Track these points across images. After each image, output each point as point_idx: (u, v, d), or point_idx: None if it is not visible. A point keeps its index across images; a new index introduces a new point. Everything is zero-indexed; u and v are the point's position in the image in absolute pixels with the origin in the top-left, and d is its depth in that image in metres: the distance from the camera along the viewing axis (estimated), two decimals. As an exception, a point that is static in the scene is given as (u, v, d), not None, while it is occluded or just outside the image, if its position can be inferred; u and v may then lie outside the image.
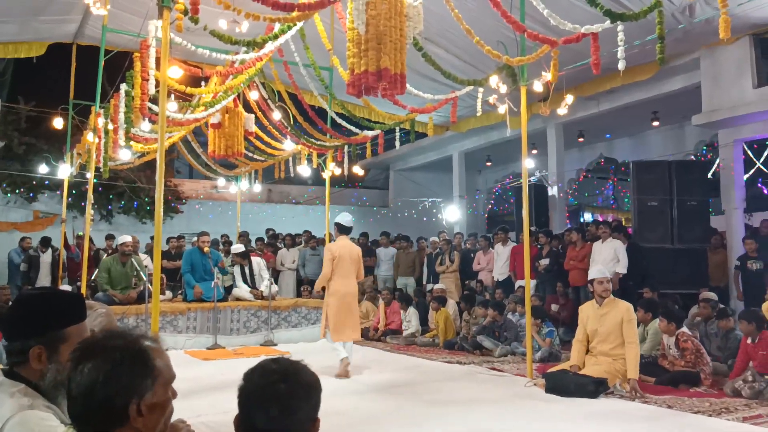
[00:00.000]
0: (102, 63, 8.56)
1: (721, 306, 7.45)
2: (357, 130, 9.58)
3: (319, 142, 9.80)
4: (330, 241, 8.91)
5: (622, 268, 8.61)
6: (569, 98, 7.13)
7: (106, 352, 1.45)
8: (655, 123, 12.55)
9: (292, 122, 9.84)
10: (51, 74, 13.80)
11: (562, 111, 7.25)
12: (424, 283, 11.81)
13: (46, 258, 11.82)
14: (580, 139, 13.90)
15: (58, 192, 13.49)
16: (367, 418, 5.00)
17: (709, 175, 10.09)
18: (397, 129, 9.50)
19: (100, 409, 1.42)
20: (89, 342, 1.53)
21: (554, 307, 9.34)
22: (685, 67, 9.72)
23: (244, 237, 12.53)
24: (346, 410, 5.14)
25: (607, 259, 8.71)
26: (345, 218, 7.04)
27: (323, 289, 7.11)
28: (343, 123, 9.74)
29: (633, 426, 4.75)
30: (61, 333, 1.90)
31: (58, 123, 11.19)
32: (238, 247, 10.10)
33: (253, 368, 1.58)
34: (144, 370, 1.47)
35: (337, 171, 10.51)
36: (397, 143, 9.61)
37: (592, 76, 9.12)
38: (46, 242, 12.07)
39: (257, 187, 14.04)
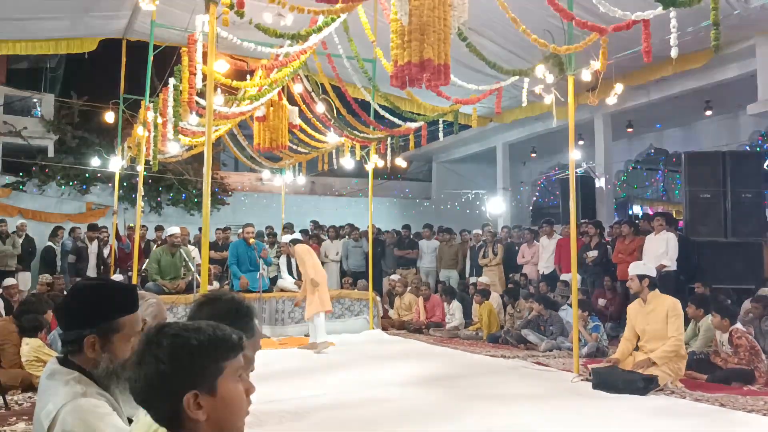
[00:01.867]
0: (151, 58, 8.75)
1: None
2: (400, 122, 9.56)
3: (362, 135, 9.81)
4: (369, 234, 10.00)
5: (669, 261, 8.34)
6: (618, 87, 6.95)
7: None
8: (708, 112, 12.16)
9: (335, 114, 9.87)
10: (102, 69, 14.19)
11: (610, 101, 7.08)
12: (467, 276, 11.74)
13: (93, 249, 12.10)
14: (630, 130, 13.56)
15: (109, 184, 13.87)
16: (410, 410, 5.00)
17: (765, 166, 9.73)
18: (441, 120, 9.44)
19: None
20: None
21: (601, 301, 9.17)
22: (740, 54, 9.38)
23: (288, 228, 12.66)
24: (388, 400, 5.15)
25: (658, 251, 8.47)
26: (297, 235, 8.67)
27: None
28: (387, 115, 9.72)
29: (684, 423, 4.63)
30: (115, 323, 1.95)
31: (109, 117, 11.48)
32: (287, 237, 10.20)
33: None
34: None
35: (380, 163, 10.51)
36: (441, 135, 9.54)
37: (642, 65, 8.84)
38: (93, 227, 12.06)
39: (301, 179, 14.15)
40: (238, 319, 1.87)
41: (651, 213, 13.82)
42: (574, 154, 6.86)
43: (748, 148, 12.29)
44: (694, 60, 9.01)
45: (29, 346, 5.50)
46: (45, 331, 6.04)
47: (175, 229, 9.61)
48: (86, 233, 12.04)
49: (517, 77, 7.32)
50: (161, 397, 1.34)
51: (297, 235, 8.96)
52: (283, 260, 9.95)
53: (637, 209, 17.20)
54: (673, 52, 5.08)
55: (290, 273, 9.83)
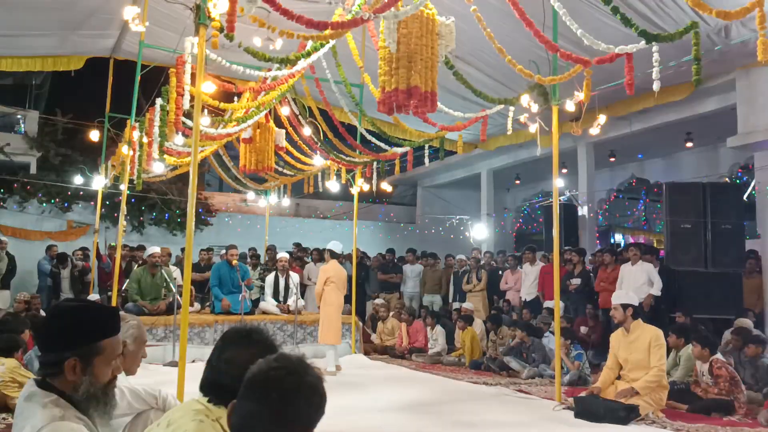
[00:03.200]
0: (138, 77, 8.74)
1: (755, 332, 7.27)
2: (386, 147, 9.61)
3: (348, 158, 9.85)
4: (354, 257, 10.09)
5: (657, 291, 8.45)
6: (601, 118, 7.07)
7: None
8: (689, 144, 12.36)
9: (322, 138, 9.92)
10: (88, 87, 14.13)
11: (593, 131, 7.18)
12: (450, 301, 11.73)
13: (65, 274, 11.93)
14: (612, 159, 13.74)
15: (91, 203, 13.74)
16: (392, 437, 4.95)
17: (745, 198, 9.88)
18: (426, 146, 9.50)
19: None
20: None
21: (583, 329, 9.20)
22: (721, 88, 9.58)
23: (271, 251, 12.61)
24: (369, 427, 5.10)
25: (639, 282, 8.56)
26: (337, 246, 8.65)
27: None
28: (373, 139, 9.78)
29: (664, 454, 4.63)
30: (97, 346, 1.93)
31: (94, 135, 11.42)
32: (284, 255, 10.12)
33: (267, 358, 1.57)
34: None
35: (366, 187, 10.55)
36: (426, 160, 9.61)
37: (625, 96, 8.99)
38: (63, 258, 11.84)
39: (286, 201, 14.14)
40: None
41: (632, 241, 13.95)
42: (558, 182, 6.93)
43: (728, 179, 12.48)
44: (675, 93, 9.19)
45: (5, 367, 5.39)
46: (21, 351, 5.93)
47: (155, 249, 9.53)
48: (52, 265, 11.84)
49: (502, 106, 7.42)
50: None
51: (334, 246, 8.64)
52: (269, 281, 9.87)
53: (618, 238, 17.34)
54: (656, 86, 5.18)
55: (276, 294, 9.74)
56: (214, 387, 1.91)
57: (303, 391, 1.47)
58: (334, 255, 8.60)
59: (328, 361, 8.04)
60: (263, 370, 1.50)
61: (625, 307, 5.99)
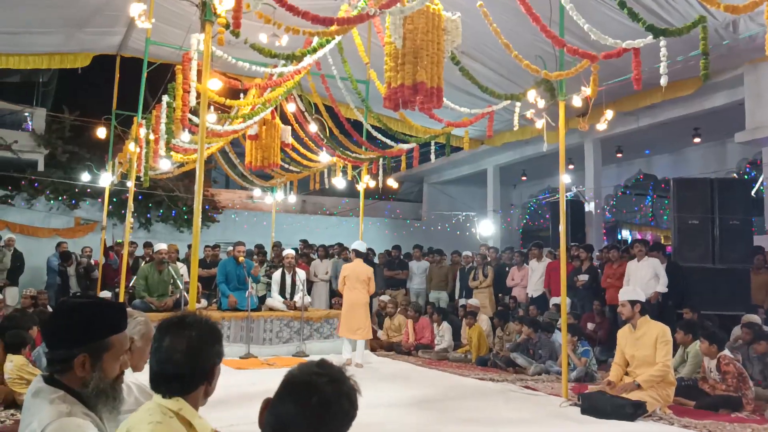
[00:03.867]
0: (145, 74, 8.76)
1: (766, 328, 7.23)
2: (392, 143, 9.60)
3: (354, 155, 9.85)
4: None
5: (663, 287, 8.42)
6: (608, 113, 7.04)
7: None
8: (697, 139, 12.30)
9: (328, 134, 9.92)
10: (95, 85, 14.18)
11: (600, 126, 7.16)
12: (457, 297, 11.72)
13: (71, 271, 11.98)
14: (619, 155, 13.69)
15: (99, 200, 13.79)
16: (398, 433, 4.96)
17: (753, 194, 9.82)
18: (432, 142, 9.48)
19: None
20: None
21: (590, 325, 9.17)
22: (729, 83, 9.52)
23: (277, 247, 12.62)
24: (375, 424, 5.11)
25: (645, 278, 8.53)
26: (361, 246, 8.93)
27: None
28: (379, 136, 9.77)
29: (672, 451, 4.62)
30: (105, 342, 1.93)
31: (100, 132, 11.46)
32: (290, 252, 10.15)
33: (310, 360, 1.61)
34: None
35: (372, 183, 10.54)
36: (432, 156, 9.60)
37: (632, 91, 8.99)
38: (66, 257, 11.87)
39: (292, 198, 14.15)
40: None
41: (640, 237, 13.89)
42: (564, 178, 6.91)
43: (735, 175, 12.41)
44: (683, 88, 9.15)
45: (13, 364, 5.42)
46: (29, 348, 5.95)
47: (162, 246, 9.55)
48: (59, 263, 11.89)
49: (508, 101, 7.40)
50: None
51: (359, 246, 8.88)
52: (275, 278, 9.89)
53: (626, 234, 17.29)
54: (663, 81, 5.15)
55: (283, 291, 9.76)
56: (160, 379, 1.90)
57: (342, 400, 1.52)
58: (359, 254, 8.84)
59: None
60: (305, 373, 1.54)
61: (632, 303, 5.97)
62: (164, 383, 1.90)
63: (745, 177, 12.30)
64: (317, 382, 1.51)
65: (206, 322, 1.99)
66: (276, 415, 1.51)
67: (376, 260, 12.87)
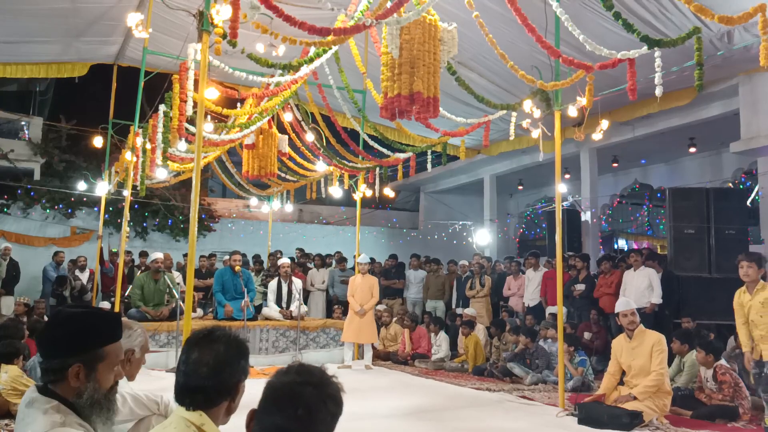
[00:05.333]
0: (142, 84, 8.77)
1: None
2: (389, 152, 9.62)
3: (350, 164, 9.86)
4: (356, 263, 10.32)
5: (657, 298, 8.42)
6: (604, 123, 7.07)
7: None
8: (692, 149, 12.35)
9: (324, 143, 9.93)
10: (92, 94, 14.20)
11: (596, 136, 7.18)
12: (453, 306, 11.71)
13: (66, 293, 11.83)
14: (615, 165, 13.73)
15: (95, 209, 13.78)
16: (395, 443, 4.94)
17: (748, 203, 9.85)
18: (429, 151, 9.51)
19: None
20: None
21: (587, 335, 9.17)
22: (723, 93, 9.57)
23: (273, 256, 12.61)
24: (373, 435, 5.09)
25: (641, 287, 8.54)
26: (362, 258, 9.62)
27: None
28: (375, 145, 9.79)
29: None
30: (100, 352, 1.93)
31: (97, 141, 11.46)
32: (285, 261, 10.15)
33: (288, 367, 1.60)
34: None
35: (368, 192, 10.55)
36: (429, 166, 9.61)
37: (628, 101, 9.03)
38: (62, 281, 11.40)
39: (289, 207, 14.15)
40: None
41: (636, 247, 13.91)
42: (561, 188, 6.93)
43: (731, 185, 12.46)
44: (678, 98, 9.18)
45: (8, 375, 5.38)
46: (22, 357, 5.92)
47: (158, 255, 9.53)
48: (54, 288, 11.57)
49: (505, 111, 7.42)
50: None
51: (360, 259, 9.63)
52: (272, 287, 9.87)
53: (622, 243, 17.31)
54: (658, 91, 5.18)
55: (279, 300, 9.75)
56: (186, 391, 1.90)
57: (327, 403, 1.53)
58: (359, 266, 9.61)
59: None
60: (286, 383, 1.54)
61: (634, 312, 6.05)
62: (189, 395, 1.89)
63: (741, 187, 12.33)
64: (300, 392, 1.51)
65: (234, 338, 2.00)
66: (264, 428, 1.51)
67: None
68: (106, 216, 12.70)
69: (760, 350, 5.32)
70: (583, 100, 6.21)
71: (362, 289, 9.31)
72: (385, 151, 9.70)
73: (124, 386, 2.67)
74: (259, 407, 1.54)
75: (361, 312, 9.12)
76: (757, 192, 9.62)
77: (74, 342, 1.90)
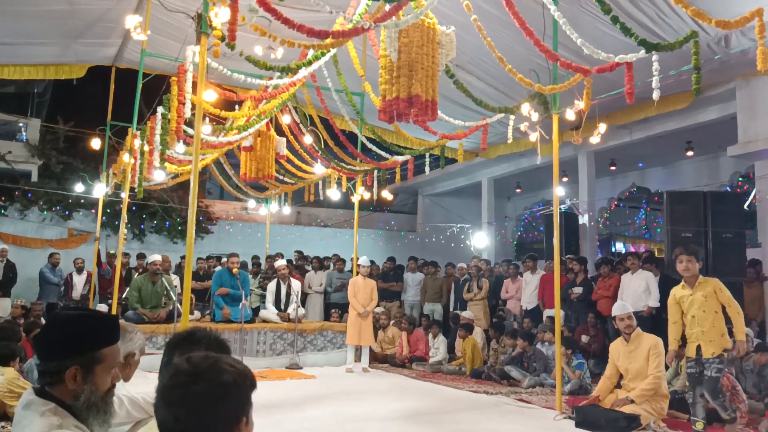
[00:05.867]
0: (140, 86, 8.77)
1: (758, 341, 7.24)
2: (387, 155, 9.63)
3: (349, 167, 9.87)
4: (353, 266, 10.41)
5: (654, 301, 8.44)
6: (602, 127, 7.09)
7: None
8: (690, 153, 12.37)
9: (322, 146, 9.94)
10: (89, 96, 14.17)
11: (594, 139, 7.19)
12: (451, 309, 11.71)
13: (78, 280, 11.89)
14: (612, 168, 13.75)
15: (92, 210, 13.75)
16: (392, 446, 4.94)
17: (745, 207, 9.87)
18: (427, 154, 9.52)
19: None
20: None
21: (584, 338, 9.17)
22: (721, 97, 9.60)
23: (271, 259, 12.60)
24: (370, 438, 5.09)
25: (638, 291, 8.55)
26: (365, 261, 9.69)
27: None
28: (373, 148, 9.80)
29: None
30: (98, 354, 1.92)
31: (95, 143, 11.45)
32: (282, 263, 10.15)
33: (179, 362, 1.49)
34: None
35: (366, 195, 10.55)
36: (427, 168, 9.62)
37: (625, 105, 9.02)
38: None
39: (287, 210, 14.15)
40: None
41: (633, 250, 13.92)
42: (558, 191, 6.94)
43: (728, 188, 12.48)
44: (675, 102, 9.21)
45: (4, 377, 5.37)
46: (18, 360, 5.91)
47: (156, 257, 9.53)
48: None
49: (502, 114, 7.43)
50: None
51: (361, 261, 9.72)
52: (270, 289, 9.86)
53: (620, 246, 17.33)
54: (655, 95, 5.19)
55: (278, 303, 9.73)
56: None
57: (216, 391, 1.41)
58: (362, 269, 9.67)
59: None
60: (167, 386, 1.43)
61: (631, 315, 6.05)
62: None
63: (738, 190, 12.36)
64: (186, 393, 1.41)
65: (214, 338, 1.98)
66: (160, 423, 1.43)
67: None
68: (104, 218, 12.67)
69: (695, 347, 5.19)
70: (580, 104, 6.22)
71: (364, 292, 9.37)
72: (383, 153, 9.70)
73: (121, 389, 2.67)
74: (154, 405, 1.46)
75: (365, 314, 9.15)
76: (754, 195, 9.64)
77: (71, 344, 1.90)
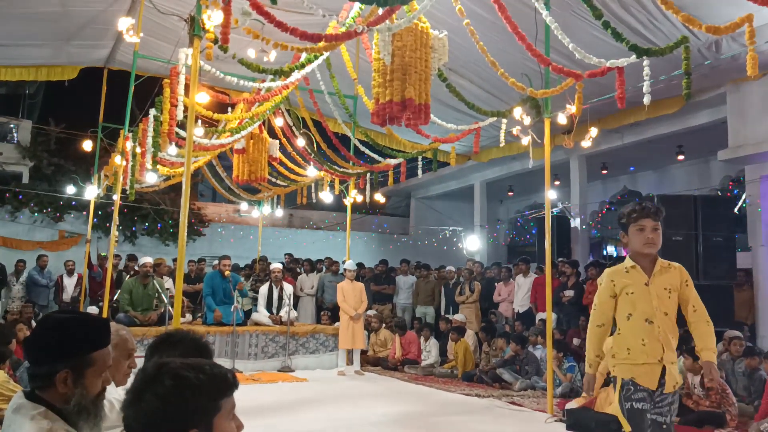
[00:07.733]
0: (132, 88, 8.75)
1: (748, 344, 7.29)
2: (379, 158, 9.64)
3: (341, 169, 9.88)
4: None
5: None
6: (593, 131, 7.14)
7: None
8: (680, 157, 12.45)
9: (315, 149, 9.94)
10: (81, 97, 14.12)
11: (585, 143, 7.24)
12: (443, 312, 11.71)
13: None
14: (604, 172, 13.82)
15: (84, 213, 13.69)
16: (384, 449, 4.94)
17: (735, 211, 9.93)
18: (420, 157, 9.54)
19: None
20: None
21: (576, 341, 9.19)
22: (711, 101, 9.67)
23: (263, 261, 12.58)
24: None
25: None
26: (349, 265, 9.70)
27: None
28: (366, 151, 9.81)
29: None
30: (88, 357, 1.91)
31: (87, 145, 11.41)
32: (277, 266, 10.13)
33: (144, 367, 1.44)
34: None
35: (359, 198, 10.56)
36: (419, 171, 9.64)
37: (617, 109, 9.09)
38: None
39: (279, 212, 14.14)
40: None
41: (625, 254, 13.96)
42: (550, 194, 6.97)
43: (719, 192, 12.56)
44: (666, 106, 9.26)
45: (-5, 379, 5.33)
46: (9, 362, 5.87)
47: (147, 259, 9.49)
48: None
49: (495, 118, 7.47)
50: None
51: (347, 265, 9.74)
52: (262, 292, 9.84)
53: (611, 250, 17.39)
54: (646, 99, 5.23)
55: (270, 306, 9.72)
56: None
57: (171, 394, 1.34)
58: (348, 273, 9.70)
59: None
60: (136, 389, 1.39)
61: None
62: None
63: (728, 194, 12.44)
64: (134, 399, 1.37)
65: (193, 339, 1.97)
66: (123, 421, 1.41)
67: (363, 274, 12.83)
68: (95, 220, 12.63)
69: (657, 370, 3.25)
70: (572, 108, 6.26)
71: (353, 295, 9.38)
72: (375, 156, 9.72)
73: (112, 392, 2.66)
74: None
75: (357, 317, 9.17)
76: (744, 200, 9.71)
77: (62, 348, 1.89)
